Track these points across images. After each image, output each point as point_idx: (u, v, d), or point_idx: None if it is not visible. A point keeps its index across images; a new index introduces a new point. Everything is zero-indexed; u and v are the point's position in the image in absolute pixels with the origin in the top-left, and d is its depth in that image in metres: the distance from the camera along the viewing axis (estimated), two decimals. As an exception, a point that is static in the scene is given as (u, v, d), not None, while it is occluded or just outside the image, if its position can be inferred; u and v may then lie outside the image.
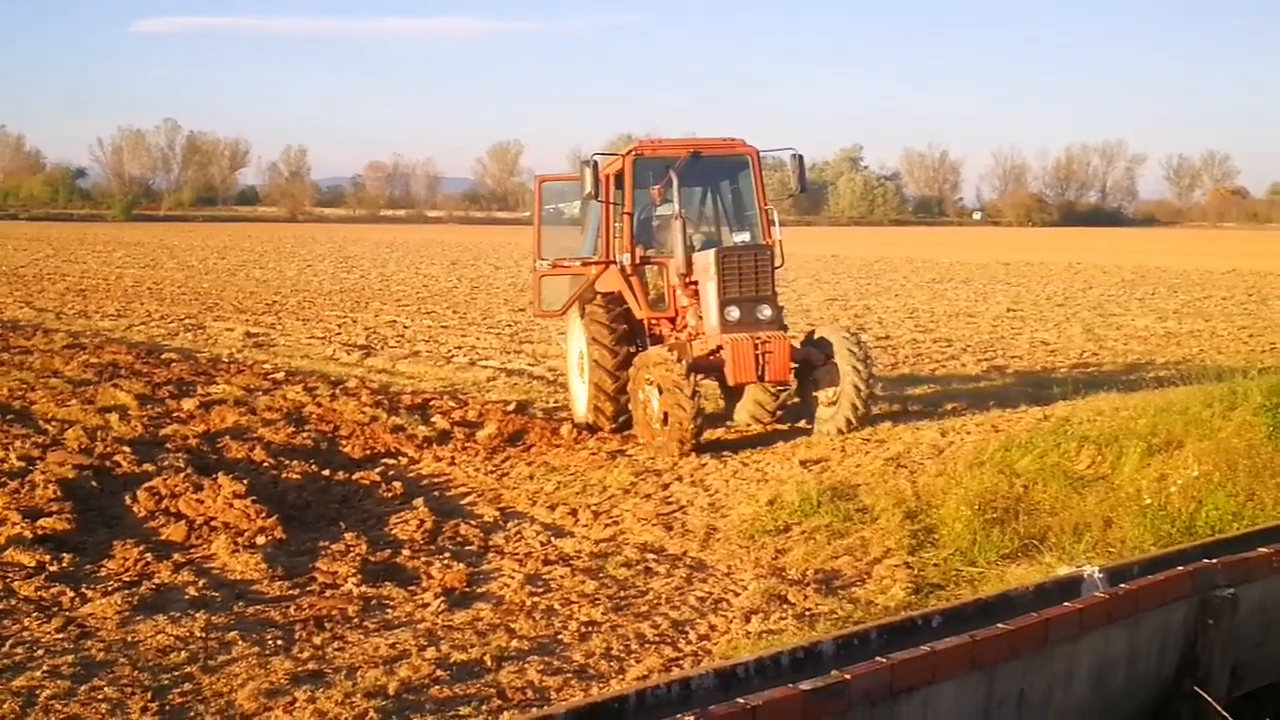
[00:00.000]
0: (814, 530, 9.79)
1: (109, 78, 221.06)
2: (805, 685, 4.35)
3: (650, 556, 9.59)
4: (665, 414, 12.35)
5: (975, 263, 52.58)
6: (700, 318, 13.22)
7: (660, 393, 12.44)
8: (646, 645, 7.78)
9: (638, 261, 13.65)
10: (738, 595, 8.71)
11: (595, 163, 13.30)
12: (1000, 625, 5.06)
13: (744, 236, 14.02)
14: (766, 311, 12.69)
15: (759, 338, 12.44)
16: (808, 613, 8.22)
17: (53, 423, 13.38)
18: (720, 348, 12.72)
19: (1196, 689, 5.40)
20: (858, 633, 5.45)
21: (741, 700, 4.25)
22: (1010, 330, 24.85)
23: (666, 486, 11.36)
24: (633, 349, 13.65)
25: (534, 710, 5.83)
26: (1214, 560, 5.98)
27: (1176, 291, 36.41)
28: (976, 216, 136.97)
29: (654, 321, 13.87)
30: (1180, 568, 5.88)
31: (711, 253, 12.80)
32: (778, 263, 13.34)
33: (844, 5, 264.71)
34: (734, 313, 12.58)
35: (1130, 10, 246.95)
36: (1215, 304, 31.88)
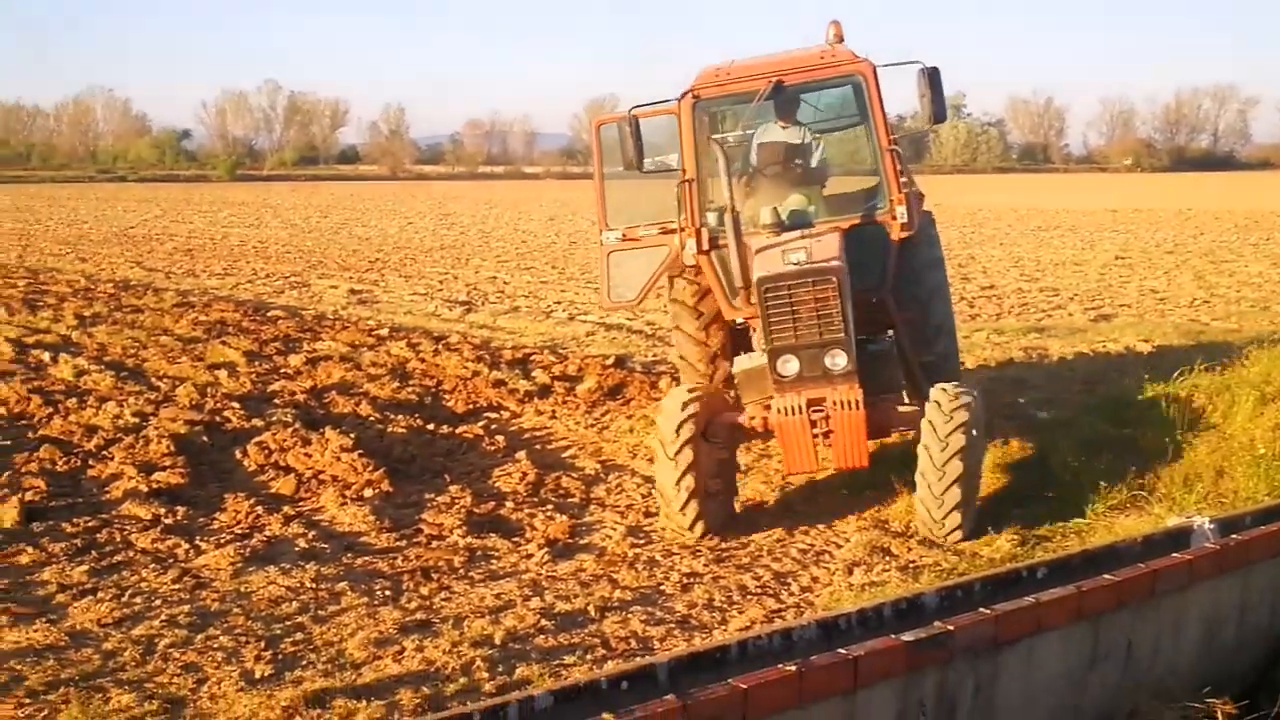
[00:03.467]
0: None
1: (212, 40, 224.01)
2: (907, 636, 4.36)
3: (751, 509, 9.60)
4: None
5: (1081, 210, 51.50)
6: None
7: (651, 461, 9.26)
8: (748, 596, 7.79)
9: (704, 248, 9.54)
10: (840, 547, 8.69)
11: (635, 121, 9.63)
12: (1107, 576, 5.03)
13: (851, 201, 10.01)
14: (840, 360, 8.53)
15: (818, 409, 8.57)
16: (911, 565, 8.18)
17: (164, 380, 13.58)
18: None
19: (1311, 641, 5.32)
20: (961, 584, 5.45)
21: (843, 650, 4.27)
22: (1118, 279, 24.33)
23: (767, 441, 11.31)
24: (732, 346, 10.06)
25: (637, 659, 5.88)
26: (1331, 510, 5.87)
27: (1292, 237, 35.41)
28: (1127, 162, 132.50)
29: (746, 322, 9.79)
30: (1294, 518, 5.78)
31: (754, 281, 8.76)
32: (906, 230, 9.43)
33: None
34: (790, 365, 8.61)
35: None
36: (1333, 249, 30.96)
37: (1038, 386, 12.81)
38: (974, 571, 6.60)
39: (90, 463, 10.36)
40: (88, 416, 11.71)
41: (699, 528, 8.70)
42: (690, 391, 9.02)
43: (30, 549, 8.48)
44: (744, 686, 3.93)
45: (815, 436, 8.62)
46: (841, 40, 9.94)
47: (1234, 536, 5.56)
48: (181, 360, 14.81)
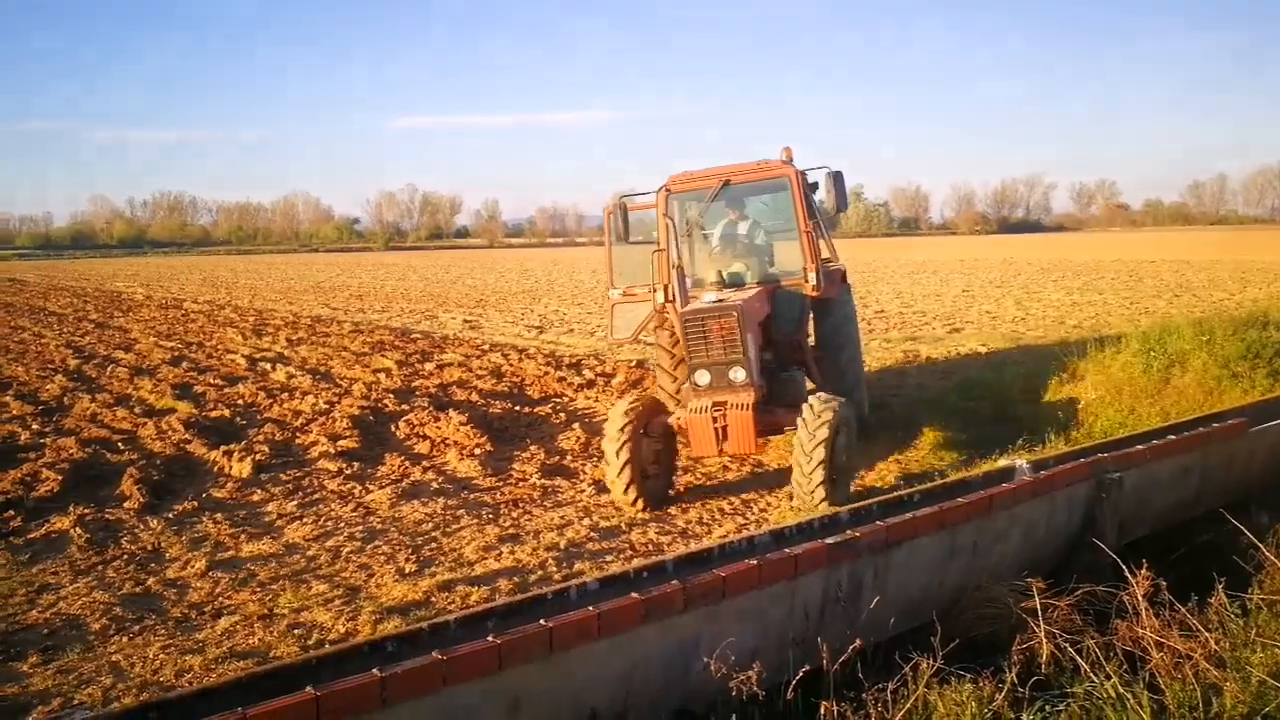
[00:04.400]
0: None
1: (375, 156, 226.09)
2: (830, 540, 4.36)
3: (727, 459, 9.58)
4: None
5: (940, 260, 51.25)
6: None
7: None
8: (725, 515, 7.80)
9: (670, 297, 8.85)
10: (784, 484, 8.66)
11: (624, 206, 9.18)
12: (959, 499, 5.01)
13: (780, 266, 9.20)
14: (739, 375, 7.75)
15: (719, 407, 7.70)
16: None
17: (344, 380, 13.63)
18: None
19: (1094, 539, 5.28)
20: (864, 506, 5.43)
21: (787, 550, 4.27)
22: (965, 304, 24.18)
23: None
24: None
25: (653, 558, 5.89)
26: (1106, 455, 5.85)
27: (1079, 275, 35.11)
28: (978, 227, 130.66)
29: None
30: (1082, 460, 5.75)
31: (680, 314, 8.07)
32: (815, 291, 8.73)
33: (852, 85, 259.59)
34: (703, 377, 7.83)
35: (1051, 75, 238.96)
36: (1106, 282, 30.69)
37: (913, 375, 12.77)
38: (872, 498, 6.58)
39: (297, 435, 10.41)
40: (295, 404, 11.76)
41: (639, 504, 7.82)
42: (631, 403, 7.99)
43: (259, 491, 8.55)
44: (723, 575, 3.92)
45: (716, 430, 7.69)
46: (790, 160, 9.11)
47: (1042, 472, 5.53)
48: (355, 367, 14.85)
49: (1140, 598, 4.21)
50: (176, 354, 16.72)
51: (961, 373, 12.55)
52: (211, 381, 13.53)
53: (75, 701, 4.77)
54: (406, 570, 6.56)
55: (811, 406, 7.50)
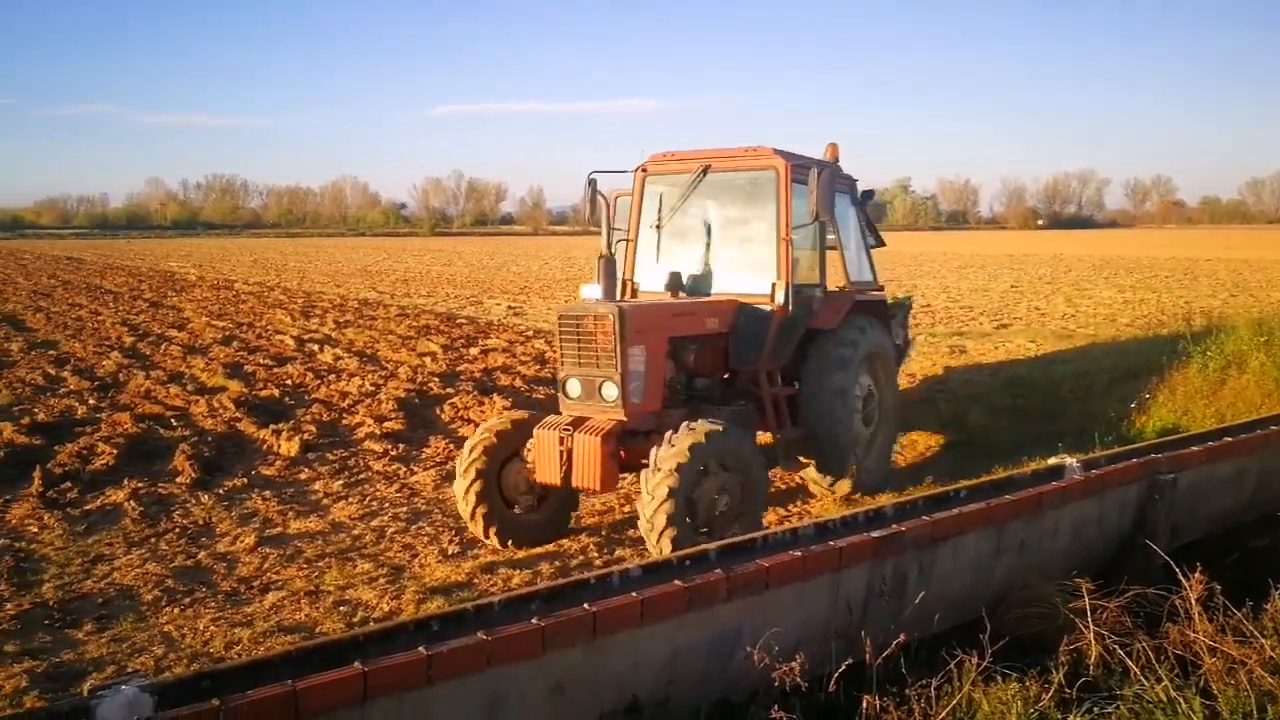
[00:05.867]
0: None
1: (419, 141, 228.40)
2: (875, 534, 4.33)
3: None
4: None
5: (988, 254, 50.48)
6: None
7: None
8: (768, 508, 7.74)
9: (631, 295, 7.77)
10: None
11: (594, 180, 7.64)
12: (1007, 496, 4.95)
13: (751, 278, 7.37)
14: (611, 392, 6.43)
15: (567, 429, 6.45)
16: (876, 490, 8.09)
17: (390, 363, 13.73)
18: None
19: (1145, 541, 5.18)
20: (910, 500, 5.38)
21: (832, 543, 4.24)
22: (1013, 300, 23.80)
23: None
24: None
25: (696, 547, 5.87)
26: (1159, 455, 5.74)
27: (1132, 272, 34.40)
28: (1040, 223, 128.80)
29: None
30: (1135, 460, 5.65)
31: (558, 314, 6.76)
32: (780, 312, 7.13)
33: (901, 86, 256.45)
34: (574, 388, 6.64)
35: (1106, 68, 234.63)
36: (1160, 280, 30.04)
37: (958, 371, 12.61)
38: (918, 493, 6.51)
39: (344, 416, 10.52)
40: (342, 386, 11.89)
41: (492, 535, 6.65)
42: (498, 419, 6.97)
43: (306, 470, 8.67)
44: (766, 565, 3.91)
45: (561, 453, 6.42)
46: (836, 159, 7.76)
47: (1093, 471, 5.44)
48: (401, 350, 14.97)
49: (1194, 601, 4.12)
50: (227, 334, 17.00)
51: (1008, 370, 12.37)
52: (261, 361, 13.74)
53: (129, 669, 4.89)
54: (450, 551, 6.62)
55: (685, 429, 6.09)
